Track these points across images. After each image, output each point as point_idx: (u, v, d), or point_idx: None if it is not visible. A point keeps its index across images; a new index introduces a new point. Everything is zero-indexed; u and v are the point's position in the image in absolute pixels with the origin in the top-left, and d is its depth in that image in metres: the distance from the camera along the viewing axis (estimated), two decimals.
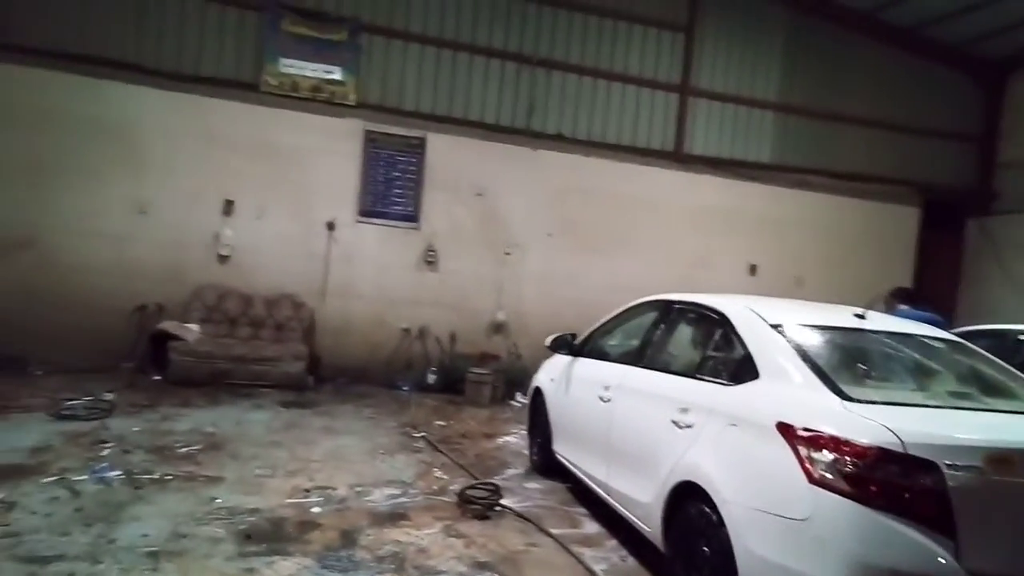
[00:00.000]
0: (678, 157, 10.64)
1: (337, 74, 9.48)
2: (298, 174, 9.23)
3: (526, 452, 6.43)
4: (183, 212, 8.88)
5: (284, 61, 9.34)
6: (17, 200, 8.40)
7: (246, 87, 9.13)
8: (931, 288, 11.13)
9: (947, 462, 2.52)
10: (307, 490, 4.94)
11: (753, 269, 10.74)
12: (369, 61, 9.59)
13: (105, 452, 5.27)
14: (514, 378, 9.09)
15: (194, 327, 8.38)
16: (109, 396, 6.88)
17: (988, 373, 3.51)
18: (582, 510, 5.07)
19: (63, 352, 8.04)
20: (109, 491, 4.54)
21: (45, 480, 4.61)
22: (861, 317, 3.76)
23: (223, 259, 9.00)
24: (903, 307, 6.16)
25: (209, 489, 4.75)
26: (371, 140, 9.51)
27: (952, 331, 5.71)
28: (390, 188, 9.59)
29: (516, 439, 6.99)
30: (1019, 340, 5.50)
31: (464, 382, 8.89)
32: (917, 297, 6.49)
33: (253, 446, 5.87)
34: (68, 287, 8.42)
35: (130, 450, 5.41)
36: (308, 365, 8.52)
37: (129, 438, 5.71)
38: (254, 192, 9.08)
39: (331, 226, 9.30)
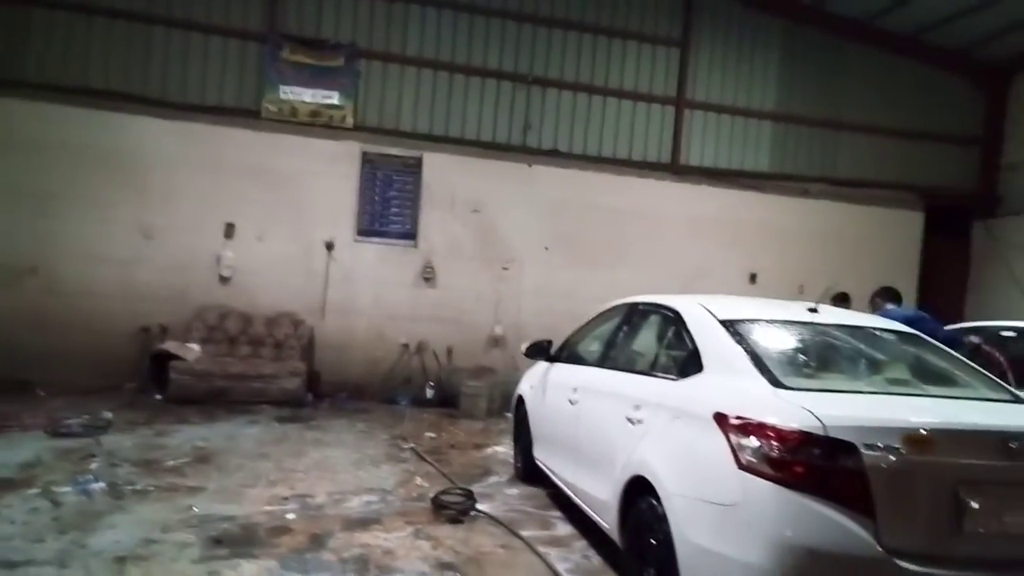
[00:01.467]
0: (675, 169, 10.68)
1: (335, 99, 9.71)
2: (297, 196, 9.44)
3: (512, 461, 6.45)
4: (186, 236, 9.11)
5: (284, 88, 9.59)
6: (25, 228, 8.70)
7: (248, 114, 9.40)
8: (938, 292, 11.00)
9: (866, 443, 2.52)
10: (285, 498, 5.02)
11: (753, 278, 10.67)
12: (366, 85, 9.82)
13: (93, 466, 5.40)
14: (510, 391, 9.03)
15: (195, 347, 8.57)
16: (107, 415, 7.02)
17: (934, 362, 3.49)
18: (557, 514, 5.09)
19: (68, 374, 8.26)
20: (89, 502, 4.65)
21: (29, 492, 4.74)
22: (814, 311, 3.76)
23: (224, 280, 9.20)
24: (890, 306, 6.10)
25: (188, 499, 4.84)
26: (368, 161, 9.70)
27: (944, 328, 5.69)
28: (388, 207, 9.75)
29: (505, 449, 7.01)
30: (1000, 335, 5.42)
31: (460, 396, 8.93)
32: (900, 296, 6.43)
33: (240, 458, 5.97)
34: (74, 311, 8.68)
35: (118, 463, 5.53)
36: (306, 381, 8.65)
37: (119, 453, 5.84)
38: (255, 215, 9.30)
39: (330, 246, 9.47)
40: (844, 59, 11.22)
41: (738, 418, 2.84)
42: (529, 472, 5.78)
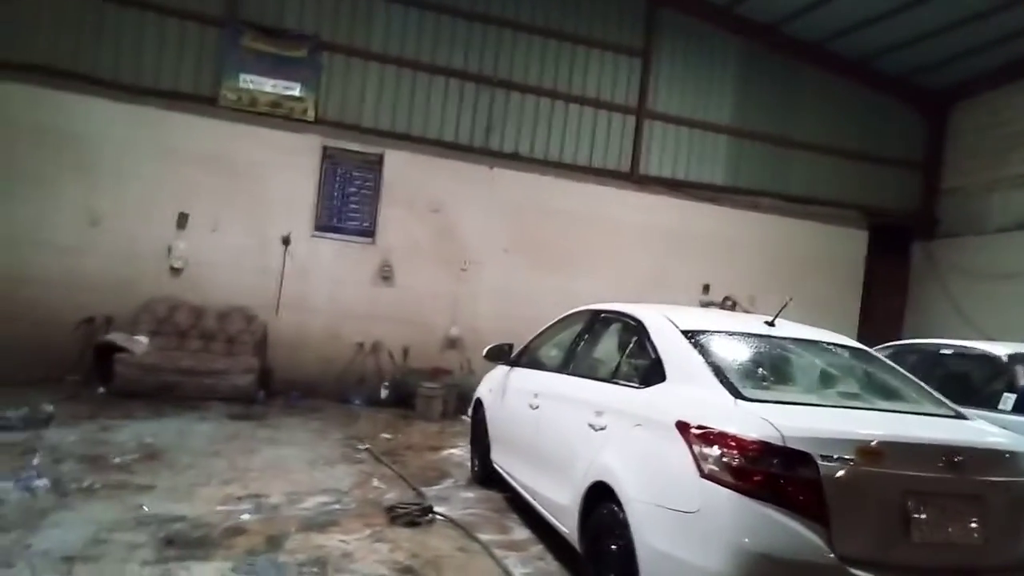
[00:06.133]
0: (634, 178, 10.86)
1: (296, 90, 9.58)
2: (254, 188, 9.27)
3: (468, 464, 6.46)
4: (136, 224, 8.84)
5: (244, 76, 9.42)
6: None
7: (204, 101, 9.19)
8: (880, 308, 11.46)
9: (821, 454, 2.64)
10: (239, 498, 4.93)
11: (706, 288, 10.92)
12: (329, 78, 9.71)
13: (35, 461, 5.21)
14: (466, 393, 9.07)
15: (142, 339, 8.33)
16: (49, 408, 6.77)
17: (882, 377, 3.66)
18: (515, 517, 5.13)
19: (6, 365, 7.87)
20: (33, 499, 4.49)
21: None
22: (771, 324, 3.90)
23: (176, 272, 8.97)
24: None
25: (137, 497, 4.72)
26: (329, 156, 9.59)
27: (884, 345, 5.92)
28: (347, 204, 9.66)
29: (461, 451, 7.02)
30: (939, 354, 5.69)
31: (416, 397, 8.91)
32: None
33: (191, 456, 5.85)
34: (11, 299, 8.31)
35: (61, 459, 5.35)
36: (259, 378, 8.50)
37: (62, 448, 5.65)
38: (209, 205, 9.09)
39: (287, 240, 9.32)
40: (798, 80, 11.59)
41: (700, 427, 2.93)
42: (486, 475, 5.82)
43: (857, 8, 10.13)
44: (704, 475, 2.81)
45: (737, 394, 3.08)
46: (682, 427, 3.01)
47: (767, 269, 11.04)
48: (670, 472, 3.02)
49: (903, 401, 3.40)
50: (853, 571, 2.57)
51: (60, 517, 4.23)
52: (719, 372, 3.28)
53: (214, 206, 9.12)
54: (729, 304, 9.85)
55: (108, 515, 4.34)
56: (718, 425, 2.87)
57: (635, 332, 3.99)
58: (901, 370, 3.75)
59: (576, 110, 10.72)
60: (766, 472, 2.67)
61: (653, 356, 3.65)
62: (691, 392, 3.26)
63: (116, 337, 8.22)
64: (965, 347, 5.71)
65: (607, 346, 4.43)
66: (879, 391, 3.48)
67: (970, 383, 5.38)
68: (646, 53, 10.97)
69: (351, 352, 9.48)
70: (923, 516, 2.67)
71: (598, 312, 4.71)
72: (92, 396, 7.80)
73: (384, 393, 9.28)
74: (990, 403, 4.88)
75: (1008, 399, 4.92)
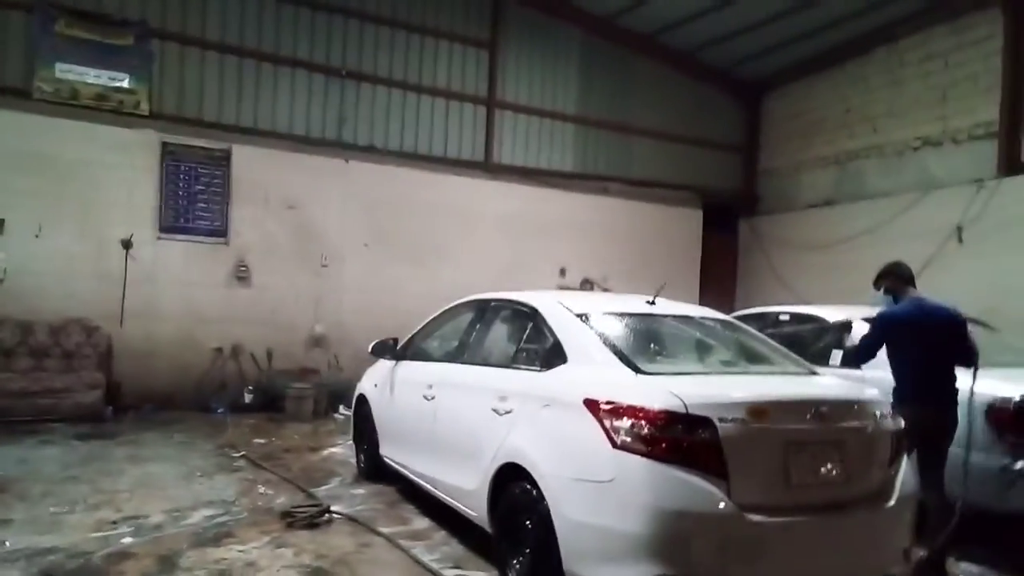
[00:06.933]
0: (488, 167, 11.10)
1: (125, 81, 8.87)
2: (85, 189, 8.48)
3: (352, 461, 6.41)
4: None
5: (60, 66, 8.58)
6: None
7: (15, 93, 8.28)
8: (714, 281, 12.55)
9: (719, 417, 2.97)
10: (114, 522, 4.60)
11: (563, 272, 11.41)
12: (162, 69, 9.07)
13: None
14: (336, 391, 8.99)
15: None
16: None
17: (750, 344, 4.12)
18: (411, 508, 5.19)
19: None
20: None
21: None
22: (652, 303, 4.24)
23: None
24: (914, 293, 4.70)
25: None
26: (170, 152, 8.97)
27: (734, 314, 6.56)
28: (194, 203, 9.09)
29: (342, 449, 6.94)
30: (779, 320, 6.41)
31: (284, 399, 8.64)
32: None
33: (44, 483, 5.34)
34: None
35: None
36: (105, 394, 7.84)
37: None
38: (30, 209, 8.21)
39: (127, 244, 8.62)
40: (634, 70, 12.34)
41: (609, 403, 3.17)
42: (374, 470, 5.82)
43: (681, 4, 10.95)
44: (616, 446, 3.06)
45: (636, 369, 3.36)
46: (591, 404, 3.23)
47: (617, 250, 11.73)
48: (582, 447, 3.24)
49: (770, 364, 3.86)
50: (748, 516, 2.92)
51: None
52: (616, 350, 3.54)
53: (36, 210, 8.26)
54: (588, 286, 10.38)
55: None
56: (625, 399, 3.12)
57: (529, 318, 4.18)
58: (763, 336, 4.25)
59: (428, 102, 10.76)
60: (673, 438, 2.95)
61: (552, 340, 3.86)
62: (593, 371, 3.50)
63: None
64: (799, 312, 6.47)
65: (502, 333, 4.59)
66: (749, 356, 3.93)
67: (804, 343, 6.11)
68: (493, 44, 11.20)
69: (209, 358, 8.99)
70: (799, 462, 3.08)
71: (487, 301, 4.86)
72: None
73: (248, 398, 8.90)
74: (822, 359, 5.59)
75: (836, 355, 5.64)
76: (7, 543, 4.13)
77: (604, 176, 12.00)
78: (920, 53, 10.14)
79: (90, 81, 8.69)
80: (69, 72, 8.60)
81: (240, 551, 4.19)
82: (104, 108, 8.70)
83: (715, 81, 12.98)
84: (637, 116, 12.33)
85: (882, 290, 4.67)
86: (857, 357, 4.59)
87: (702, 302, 11.57)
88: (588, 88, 11.96)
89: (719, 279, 12.65)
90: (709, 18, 11.13)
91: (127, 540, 4.29)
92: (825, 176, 11.73)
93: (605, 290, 10.32)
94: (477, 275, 10.27)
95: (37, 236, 8.25)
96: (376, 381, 5.87)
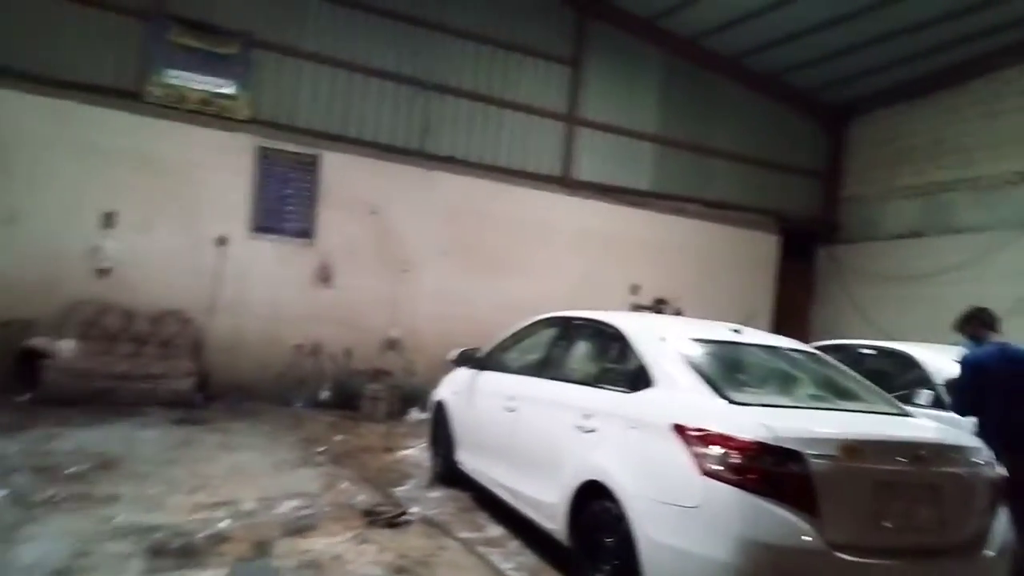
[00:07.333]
0: (566, 182, 11.24)
1: (228, 88, 9.35)
2: (187, 188, 8.99)
3: (426, 464, 6.60)
4: (57, 223, 8.40)
5: (171, 72, 9.11)
6: None
7: (129, 96, 8.83)
8: (789, 309, 12.35)
9: (811, 452, 3.01)
10: (212, 505, 4.89)
11: (635, 289, 11.44)
12: (262, 77, 9.53)
13: None
14: (408, 394, 9.24)
15: (69, 344, 7.95)
16: None
17: (838, 379, 4.12)
18: (485, 514, 5.33)
19: None
20: None
21: None
22: (737, 331, 4.28)
23: (103, 273, 8.58)
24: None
25: (104, 508, 4.61)
26: (265, 156, 9.43)
27: (812, 344, 6.50)
28: (284, 204, 9.53)
29: (416, 452, 7.14)
30: (860, 352, 6.32)
31: (359, 398, 8.93)
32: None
33: (147, 464, 5.71)
34: None
35: (12, 471, 5.13)
36: (197, 382, 8.29)
37: (9, 459, 5.40)
38: (138, 205, 8.75)
39: (222, 241, 9.10)
40: (716, 92, 12.31)
41: (697, 429, 3.24)
42: (449, 475, 5.99)
43: (769, 27, 10.86)
44: (704, 473, 3.13)
45: (726, 398, 3.42)
46: (679, 429, 3.31)
47: (690, 271, 11.70)
48: (669, 471, 3.32)
49: (860, 401, 3.85)
50: (839, 555, 2.94)
51: (32, 531, 4.11)
52: (705, 377, 3.61)
53: (143, 205, 8.79)
54: (661, 305, 10.39)
55: (79, 527, 4.25)
56: (715, 427, 3.19)
57: (615, 339, 4.28)
58: (852, 372, 4.23)
59: (510, 115, 10.98)
60: (763, 469, 3.00)
61: (638, 362, 3.95)
62: (681, 397, 3.58)
63: (40, 342, 7.81)
64: (882, 347, 6.37)
65: (586, 352, 4.71)
66: (839, 392, 3.92)
67: (887, 380, 6.01)
68: (576, 62, 11.35)
69: (290, 354, 9.37)
70: (891, 504, 3.09)
71: (571, 319, 4.98)
72: (16, 404, 7.39)
73: (325, 395, 9.23)
74: (905, 398, 5.50)
75: (923, 395, 5.53)
76: (118, 518, 4.45)
77: (681, 196, 11.98)
78: (1019, 86, 9.82)
79: (196, 87, 9.20)
80: (178, 77, 9.13)
81: (327, 544, 4.41)
82: (207, 112, 9.20)
83: (799, 105, 12.83)
84: (717, 137, 12.29)
85: (963, 334, 4.66)
86: (961, 409, 4.52)
87: (776, 330, 11.47)
88: (668, 108, 11.97)
89: (793, 306, 12.46)
90: (798, 43, 11.05)
91: (224, 524, 4.56)
92: (912, 207, 11.44)
93: (678, 311, 10.29)
94: (550, 289, 10.42)
95: (142, 231, 8.78)
96: (455, 389, 6.05)
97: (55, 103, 8.41)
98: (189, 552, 4.07)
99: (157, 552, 4.00)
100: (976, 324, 4.64)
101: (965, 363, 4.52)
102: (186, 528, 4.41)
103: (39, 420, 6.76)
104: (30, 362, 7.68)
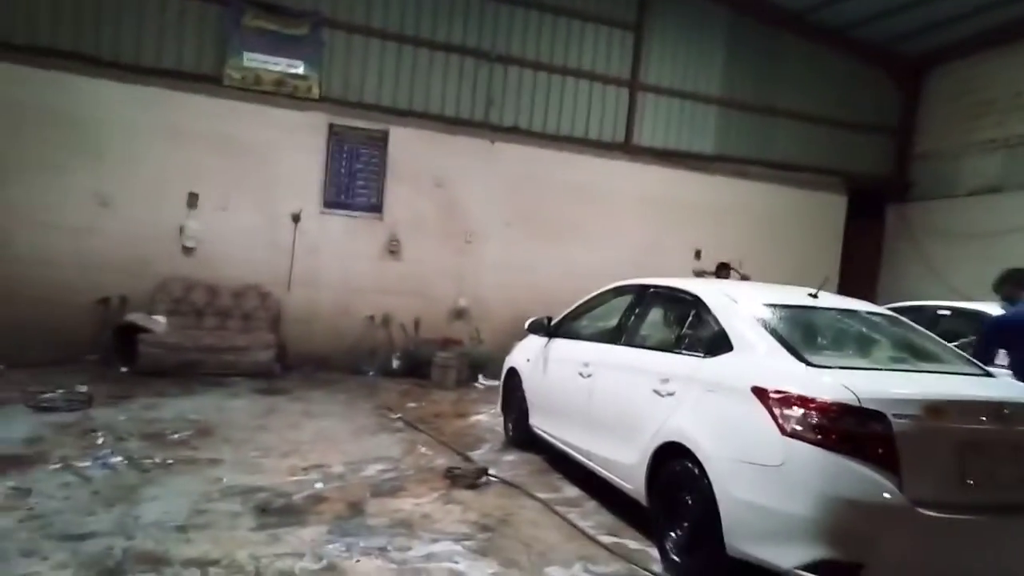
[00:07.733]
0: (628, 149, 11.18)
1: (300, 68, 9.59)
2: (262, 167, 9.34)
3: (498, 429, 6.84)
4: (146, 205, 8.88)
5: (247, 55, 9.38)
6: None
7: (208, 80, 9.17)
8: (855, 270, 12.08)
9: (893, 413, 3.06)
10: (305, 468, 5.22)
11: (698, 254, 11.38)
12: (331, 55, 9.73)
13: (100, 440, 5.42)
14: (476, 361, 9.51)
15: (161, 319, 8.45)
16: (83, 388, 6.92)
17: (917, 341, 4.10)
18: (559, 476, 5.53)
19: (22, 347, 7.90)
20: (116, 475, 4.73)
21: (51, 468, 4.75)
22: (814, 296, 4.30)
23: (188, 251, 9.05)
24: None
25: (212, 470, 4.99)
26: (335, 133, 9.69)
27: (886, 307, 6.43)
28: (354, 180, 9.81)
29: (487, 417, 7.39)
30: (937, 314, 6.21)
31: (429, 366, 9.23)
32: None
33: (241, 431, 6.10)
34: (26, 281, 8.33)
35: (124, 438, 5.56)
36: (276, 353, 8.71)
37: (118, 427, 5.84)
38: (218, 185, 9.15)
39: (296, 218, 9.45)
40: (781, 49, 11.96)
41: (778, 391, 3.32)
42: (522, 439, 6.20)
43: None
44: (786, 433, 3.21)
45: (805, 361, 3.48)
46: (759, 392, 3.40)
47: (754, 234, 11.54)
48: (749, 432, 3.41)
49: (940, 362, 3.84)
50: (922, 511, 3.00)
51: (151, 491, 4.48)
52: (783, 341, 3.67)
53: (223, 185, 9.18)
54: (725, 270, 10.32)
55: (193, 487, 4.61)
56: (796, 389, 3.26)
57: (692, 306, 4.35)
58: (930, 334, 4.21)
59: (572, 83, 10.93)
60: (845, 429, 3.07)
61: (716, 328, 4.02)
62: (760, 360, 3.65)
63: (136, 317, 8.32)
64: (960, 307, 6.25)
65: (663, 319, 4.80)
66: (918, 354, 3.92)
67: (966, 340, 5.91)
68: (638, 26, 11.19)
69: (362, 325, 9.72)
70: (975, 462, 3.12)
71: (646, 286, 5.06)
72: (116, 375, 7.94)
73: (396, 364, 9.57)
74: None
75: (1003, 355, 5.43)
76: (224, 480, 4.81)
77: (745, 159, 11.78)
78: None
79: (271, 68, 9.46)
80: (254, 60, 9.39)
81: (414, 504, 4.67)
82: (281, 93, 9.48)
83: (869, 59, 12.37)
84: (783, 97, 11.97)
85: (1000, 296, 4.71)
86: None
87: (842, 291, 11.25)
88: (733, 69, 11.72)
89: (860, 268, 12.17)
90: None
91: (318, 486, 4.88)
92: (991, 162, 10.97)
93: (745, 276, 10.21)
94: (612, 256, 10.48)
95: (223, 210, 9.19)
96: (528, 356, 6.22)
97: (142, 90, 8.84)
98: (291, 511, 4.38)
99: (263, 510, 4.32)
100: (1011, 285, 4.63)
101: (985, 324, 4.55)
102: (285, 489, 4.74)
103: (139, 391, 7.25)
104: (127, 336, 8.19)
